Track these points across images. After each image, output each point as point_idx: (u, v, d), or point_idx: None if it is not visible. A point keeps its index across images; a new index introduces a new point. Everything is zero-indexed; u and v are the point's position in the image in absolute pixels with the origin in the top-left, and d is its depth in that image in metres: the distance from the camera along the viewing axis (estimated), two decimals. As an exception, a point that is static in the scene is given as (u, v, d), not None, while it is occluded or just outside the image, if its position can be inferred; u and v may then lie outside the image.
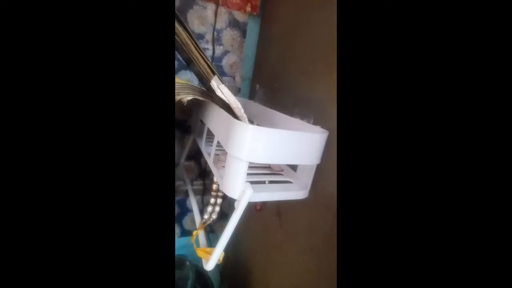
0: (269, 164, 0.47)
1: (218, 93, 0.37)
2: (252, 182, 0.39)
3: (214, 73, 0.40)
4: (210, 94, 0.44)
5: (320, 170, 0.40)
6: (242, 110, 0.38)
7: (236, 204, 0.34)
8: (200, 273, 0.80)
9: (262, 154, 0.33)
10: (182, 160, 0.75)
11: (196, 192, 0.81)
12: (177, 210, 0.83)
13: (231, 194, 0.34)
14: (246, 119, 0.38)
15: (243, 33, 0.76)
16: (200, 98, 0.41)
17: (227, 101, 0.37)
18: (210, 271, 0.87)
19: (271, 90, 0.63)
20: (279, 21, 0.66)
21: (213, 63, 0.75)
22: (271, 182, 0.42)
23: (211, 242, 0.63)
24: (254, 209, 0.54)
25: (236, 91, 0.81)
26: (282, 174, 0.46)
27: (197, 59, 0.38)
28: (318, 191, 0.42)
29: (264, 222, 0.59)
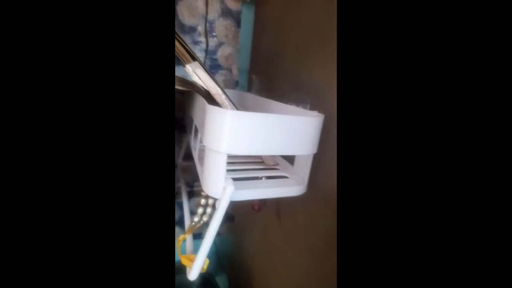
0: (261, 158, 0.42)
1: (195, 78, 0.32)
2: (241, 179, 0.34)
3: (194, 59, 0.35)
4: (192, 83, 0.39)
5: (318, 161, 0.34)
6: (224, 96, 0.33)
7: (217, 203, 0.29)
8: (206, 279, 0.76)
9: (244, 145, 0.28)
10: (180, 160, 0.72)
11: (197, 194, 0.77)
12: (179, 213, 0.80)
13: (210, 192, 0.30)
14: (229, 106, 0.34)
15: (237, 22, 0.71)
16: (180, 88, 0.37)
17: (205, 87, 0.33)
18: (218, 276, 0.83)
19: (266, 79, 0.58)
20: (270, 3, 0.60)
21: (207, 56, 0.71)
22: (264, 178, 0.37)
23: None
24: (252, 210, 0.49)
25: (234, 85, 0.76)
26: (277, 169, 0.41)
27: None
28: (317, 185, 0.36)
29: (264, 223, 0.54)
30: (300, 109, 0.38)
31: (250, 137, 0.28)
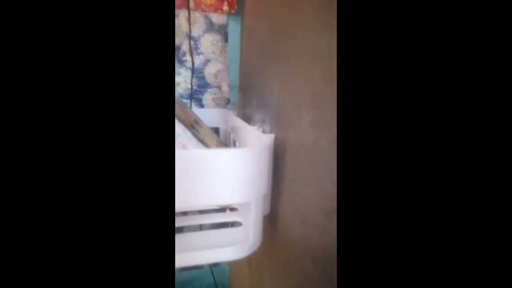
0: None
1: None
2: (179, 230, 0.27)
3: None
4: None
5: (278, 203, 0.25)
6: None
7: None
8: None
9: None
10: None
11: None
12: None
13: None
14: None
15: (224, 36, 0.66)
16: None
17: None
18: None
19: (246, 95, 0.51)
20: (256, 12, 0.54)
21: (194, 75, 0.67)
22: (212, 226, 0.29)
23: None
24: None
25: (225, 103, 0.71)
26: (236, 209, 0.32)
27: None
28: (276, 238, 0.27)
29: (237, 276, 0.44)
30: (257, 133, 0.30)
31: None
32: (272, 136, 0.28)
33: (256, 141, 0.28)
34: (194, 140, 0.39)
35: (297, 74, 0.25)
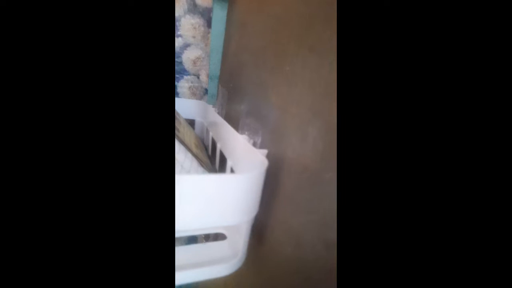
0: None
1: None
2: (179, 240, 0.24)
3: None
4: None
5: (268, 216, 0.25)
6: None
7: None
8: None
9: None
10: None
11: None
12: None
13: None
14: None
15: (208, 22, 0.61)
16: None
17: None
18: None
19: (230, 91, 0.48)
20: (250, 2, 0.51)
21: (170, 59, 0.61)
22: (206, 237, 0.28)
23: None
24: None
25: (202, 93, 0.67)
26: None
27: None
28: (263, 255, 0.27)
29: None
30: (247, 145, 0.28)
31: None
32: (265, 152, 0.27)
33: (249, 158, 0.26)
34: (175, 143, 0.36)
35: (302, 83, 0.24)
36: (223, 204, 0.20)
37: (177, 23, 0.59)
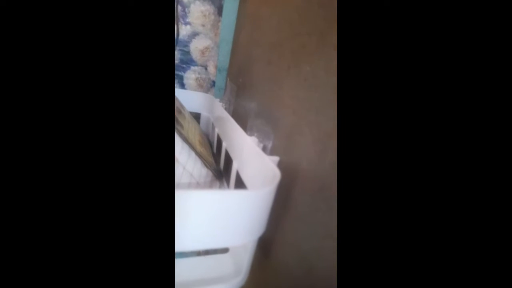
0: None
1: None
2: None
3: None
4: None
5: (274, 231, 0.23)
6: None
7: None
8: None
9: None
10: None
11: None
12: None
13: None
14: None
15: (219, 10, 0.58)
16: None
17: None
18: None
19: (240, 87, 0.45)
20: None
21: (177, 47, 0.58)
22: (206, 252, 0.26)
23: None
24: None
25: (209, 85, 0.64)
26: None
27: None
28: (269, 275, 0.25)
29: None
30: (258, 151, 0.26)
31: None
32: (276, 159, 0.25)
33: (257, 165, 0.24)
34: (178, 140, 0.34)
35: (324, 87, 0.21)
36: (228, 223, 0.18)
37: (186, 9, 0.56)
